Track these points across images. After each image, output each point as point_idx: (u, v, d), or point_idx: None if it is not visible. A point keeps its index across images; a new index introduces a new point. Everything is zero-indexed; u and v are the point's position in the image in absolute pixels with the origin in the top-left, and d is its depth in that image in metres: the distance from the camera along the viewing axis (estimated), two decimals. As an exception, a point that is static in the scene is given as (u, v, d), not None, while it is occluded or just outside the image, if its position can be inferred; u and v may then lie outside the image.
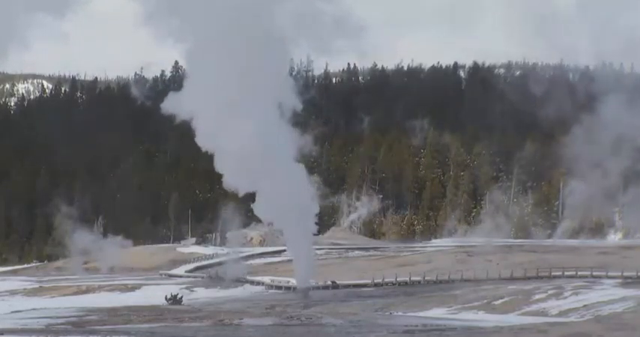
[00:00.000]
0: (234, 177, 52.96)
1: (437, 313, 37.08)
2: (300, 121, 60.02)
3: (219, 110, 52.11)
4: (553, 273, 50.25)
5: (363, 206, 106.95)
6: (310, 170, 60.33)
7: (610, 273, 48.47)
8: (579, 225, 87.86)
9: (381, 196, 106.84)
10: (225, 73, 52.30)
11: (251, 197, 54.93)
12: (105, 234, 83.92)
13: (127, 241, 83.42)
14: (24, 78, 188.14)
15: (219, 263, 66.03)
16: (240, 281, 56.64)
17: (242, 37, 52.67)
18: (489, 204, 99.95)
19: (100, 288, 57.46)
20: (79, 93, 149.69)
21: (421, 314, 35.83)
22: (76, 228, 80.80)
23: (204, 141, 53.53)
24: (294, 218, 52.41)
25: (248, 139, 50.98)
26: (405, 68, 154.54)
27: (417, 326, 24.89)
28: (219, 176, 54.78)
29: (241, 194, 55.61)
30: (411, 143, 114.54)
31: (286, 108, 54.99)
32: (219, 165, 53.35)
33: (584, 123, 70.01)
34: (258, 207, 53.97)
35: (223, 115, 51.86)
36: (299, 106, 56.14)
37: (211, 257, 74.79)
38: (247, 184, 53.14)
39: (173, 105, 54.93)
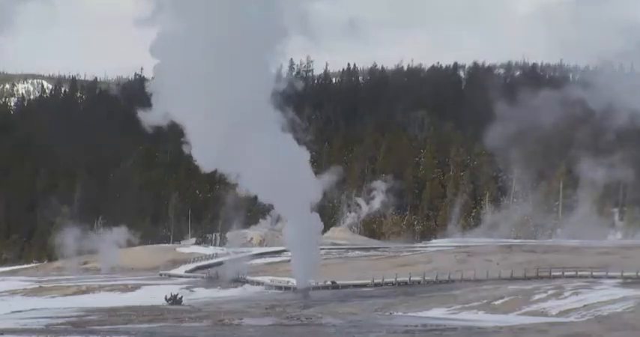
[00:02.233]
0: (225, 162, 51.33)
1: (437, 313, 36.98)
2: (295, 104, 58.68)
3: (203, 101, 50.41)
4: (553, 273, 50.20)
5: (362, 206, 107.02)
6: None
7: (610, 273, 48.40)
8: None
9: (381, 196, 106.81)
10: (207, 57, 50.44)
11: (252, 196, 54.28)
12: (105, 233, 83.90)
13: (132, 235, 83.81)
14: (24, 78, 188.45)
15: (220, 263, 65.99)
16: (238, 282, 56.56)
17: (233, 26, 51.22)
18: (489, 204, 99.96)
19: (100, 288, 57.34)
20: (78, 94, 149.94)
21: (421, 314, 35.75)
22: (75, 227, 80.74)
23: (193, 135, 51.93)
24: (292, 206, 51.31)
25: (235, 123, 49.62)
26: (405, 68, 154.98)
27: (417, 326, 24.85)
28: (220, 176, 54.10)
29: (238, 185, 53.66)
30: (411, 143, 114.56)
31: (281, 100, 53.81)
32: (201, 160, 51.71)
33: None
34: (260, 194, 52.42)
35: (208, 104, 50.15)
36: (292, 90, 55.16)
37: (211, 257, 74.78)
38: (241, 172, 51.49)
39: (153, 117, 54.17)
